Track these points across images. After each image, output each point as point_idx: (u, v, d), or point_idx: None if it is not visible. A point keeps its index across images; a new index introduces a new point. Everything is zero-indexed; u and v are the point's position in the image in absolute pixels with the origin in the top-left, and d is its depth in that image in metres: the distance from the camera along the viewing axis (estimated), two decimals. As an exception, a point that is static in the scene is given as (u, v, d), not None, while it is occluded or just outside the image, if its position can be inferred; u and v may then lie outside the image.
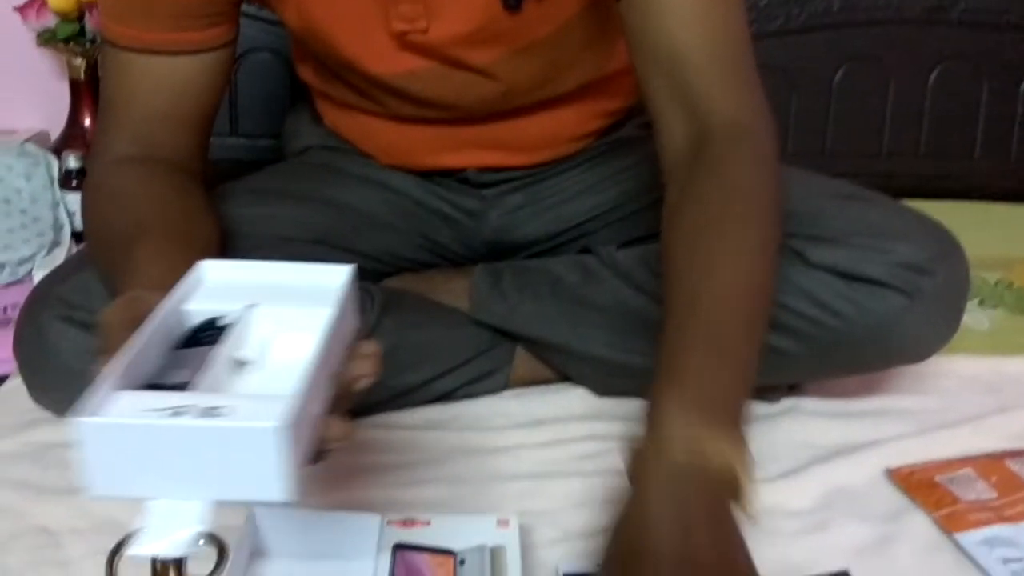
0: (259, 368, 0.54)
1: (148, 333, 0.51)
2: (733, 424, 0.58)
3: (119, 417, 0.46)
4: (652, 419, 0.58)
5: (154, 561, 0.70)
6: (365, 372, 0.55)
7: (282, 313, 0.56)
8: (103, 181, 0.78)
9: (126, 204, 0.73)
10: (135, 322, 0.52)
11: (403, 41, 0.81)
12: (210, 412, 0.46)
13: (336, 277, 0.58)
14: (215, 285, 0.58)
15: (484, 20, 0.79)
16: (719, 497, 0.56)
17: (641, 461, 0.57)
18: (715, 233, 0.65)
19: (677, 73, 0.70)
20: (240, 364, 0.54)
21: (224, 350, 0.53)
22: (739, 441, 0.57)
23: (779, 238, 0.69)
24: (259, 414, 0.46)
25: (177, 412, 0.46)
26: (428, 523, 0.70)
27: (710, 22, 0.70)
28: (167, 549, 0.49)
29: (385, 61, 0.82)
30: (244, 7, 0.81)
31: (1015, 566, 0.71)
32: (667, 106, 0.71)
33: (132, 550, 0.49)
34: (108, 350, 0.51)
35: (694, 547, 0.53)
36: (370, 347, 0.56)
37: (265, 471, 0.46)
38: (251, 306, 0.56)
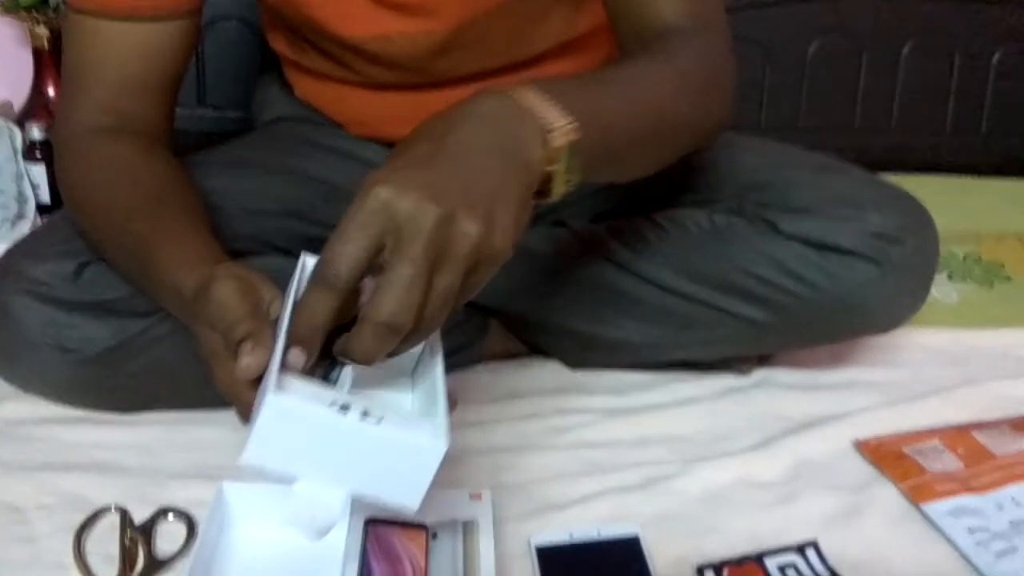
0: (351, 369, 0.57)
1: (286, 325, 0.54)
2: (569, 107, 0.55)
3: (308, 402, 0.50)
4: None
5: (122, 537, 0.70)
6: (453, 398, 0.57)
7: None
8: (88, 153, 0.77)
9: (131, 177, 0.74)
10: (256, 305, 0.57)
11: (379, 1, 0.79)
12: (367, 415, 0.50)
13: None
14: None
15: None
16: (526, 133, 0.53)
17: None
18: (633, 60, 0.68)
19: (646, 26, 0.72)
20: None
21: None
22: (568, 118, 0.55)
23: (706, 90, 0.70)
24: (423, 430, 0.51)
25: (339, 406, 0.50)
26: (400, 497, 0.70)
27: None
28: (306, 531, 0.53)
29: (359, 24, 0.81)
30: (211, -26, 0.80)
31: (980, 536, 0.72)
32: (631, 39, 0.74)
33: (280, 525, 0.54)
34: (248, 332, 0.54)
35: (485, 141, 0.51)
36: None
37: (413, 481, 0.51)
38: None
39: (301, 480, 0.52)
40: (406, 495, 0.52)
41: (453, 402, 0.58)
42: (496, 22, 0.82)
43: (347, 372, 0.56)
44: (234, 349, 0.54)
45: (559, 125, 0.54)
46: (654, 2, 0.72)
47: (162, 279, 0.66)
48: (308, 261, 0.62)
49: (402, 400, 0.60)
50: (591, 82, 0.62)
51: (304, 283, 0.60)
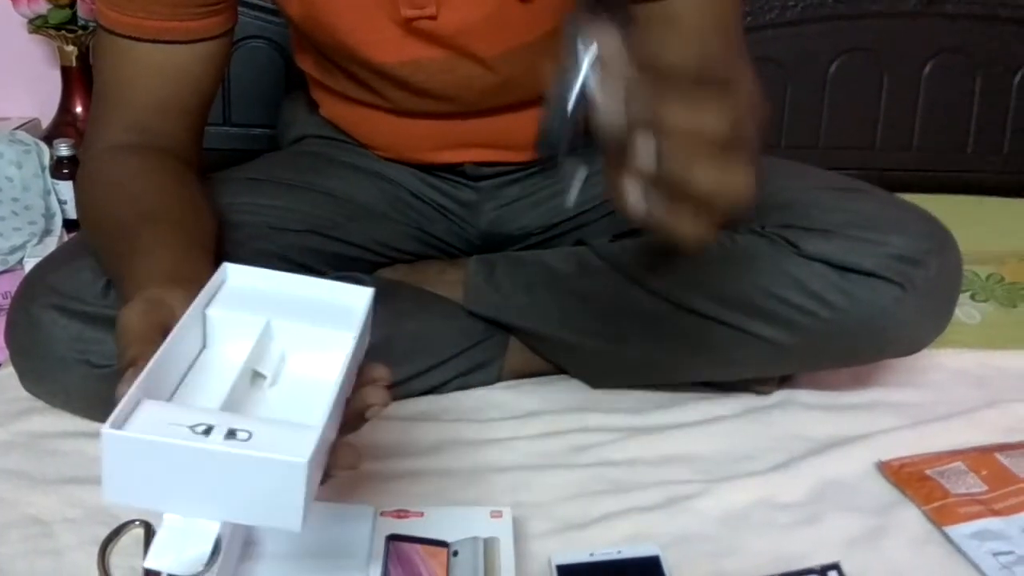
0: (274, 384, 0.55)
1: (174, 341, 0.52)
2: None
3: (145, 433, 0.47)
4: None
5: (146, 551, 0.70)
6: (377, 401, 0.55)
7: (302, 330, 0.57)
8: (100, 169, 0.77)
9: (130, 193, 0.73)
10: (157, 327, 0.53)
11: (410, 28, 0.80)
12: (234, 434, 0.47)
13: (358, 298, 0.59)
14: (237, 291, 0.58)
15: (494, 8, 0.78)
16: None
17: None
18: None
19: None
20: (257, 376, 0.55)
21: (246, 362, 0.54)
22: None
23: None
24: (286, 446, 0.47)
25: (202, 430, 0.47)
26: (421, 515, 0.71)
27: (720, 19, 0.73)
28: (175, 566, 0.49)
29: (390, 50, 0.82)
30: (241, -5, 0.81)
31: (1004, 559, 0.71)
32: None
33: (145, 563, 0.49)
34: (134, 357, 0.52)
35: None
36: (380, 371, 0.57)
37: (284, 501, 0.47)
38: (271, 319, 0.56)
39: (170, 511, 0.49)
40: (283, 517, 0.48)
41: (357, 418, 0.55)
42: (523, 58, 0.83)
43: (240, 385, 0.53)
44: (120, 375, 0.52)
45: None
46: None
47: (127, 296, 0.63)
48: (230, 272, 0.59)
49: (313, 412, 0.53)
50: None
51: (214, 293, 0.57)
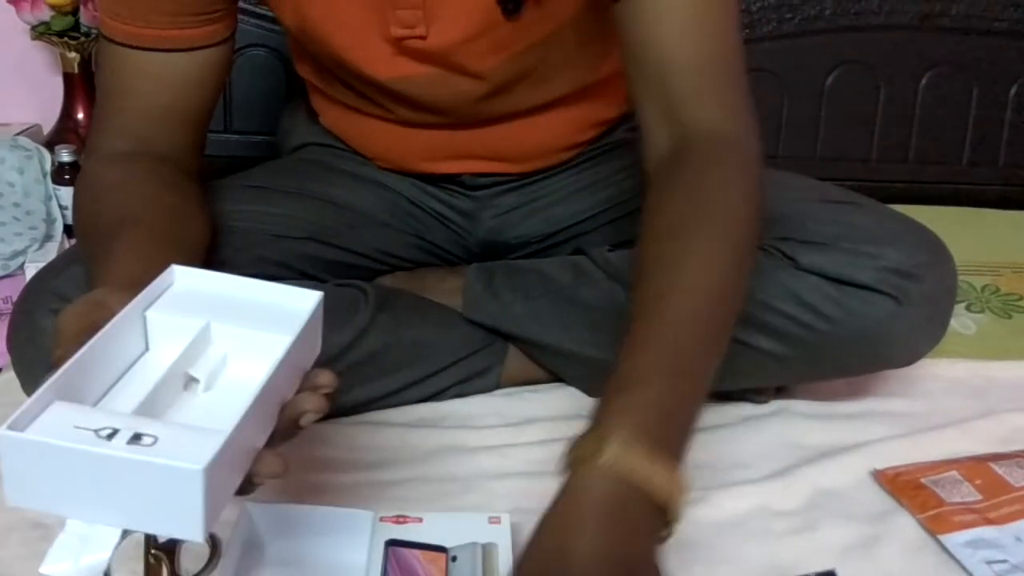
0: (207, 388, 0.53)
1: (101, 341, 0.50)
2: (678, 452, 0.58)
3: (44, 436, 0.45)
4: (602, 425, 0.57)
5: (146, 555, 0.70)
6: (312, 408, 0.53)
7: (242, 334, 0.55)
8: (94, 176, 0.78)
9: (115, 200, 0.73)
10: (91, 329, 0.51)
11: (401, 47, 0.81)
12: (138, 439, 0.45)
13: (304, 302, 0.57)
14: (181, 294, 0.57)
15: (483, 26, 0.79)
16: (647, 527, 0.56)
17: (580, 469, 0.56)
18: (686, 238, 0.65)
19: (663, 79, 0.70)
20: (191, 381, 0.53)
21: (178, 365, 0.52)
22: (678, 472, 0.57)
23: (754, 249, 0.68)
24: (186, 451, 0.45)
25: (106, 433, 0.45)
26: (420, 520, 0.71)
27: (702, 31, 0.70)
28: (71, 573, 0.47)
29: (382, 66, 0.83)
30: (241, 3, 0.81)
31: (998, 567, 0.72)
32: (651, 112, 0.71)
33: (41, 568, 0.47)
34: (59, 357, 0.50)
35: (609, 558, 0.52)
36: (325, 378, 0.55)
37: (183, 509, 0.45)
38: (210, 322, 0.54)
39: (72, 517, 0.47)
40: (183, 525, 0.46)
41: (291, 425, 0.53)
42: (514, 68, 0.84)
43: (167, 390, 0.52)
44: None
45: (677, 505, 0.56)
46: (696, 105, 0.69)
47: None
48: (177, 274, 0.57)
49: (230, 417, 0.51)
50: (678, 380, 0.59)
51: (156, 295, 0.55)
